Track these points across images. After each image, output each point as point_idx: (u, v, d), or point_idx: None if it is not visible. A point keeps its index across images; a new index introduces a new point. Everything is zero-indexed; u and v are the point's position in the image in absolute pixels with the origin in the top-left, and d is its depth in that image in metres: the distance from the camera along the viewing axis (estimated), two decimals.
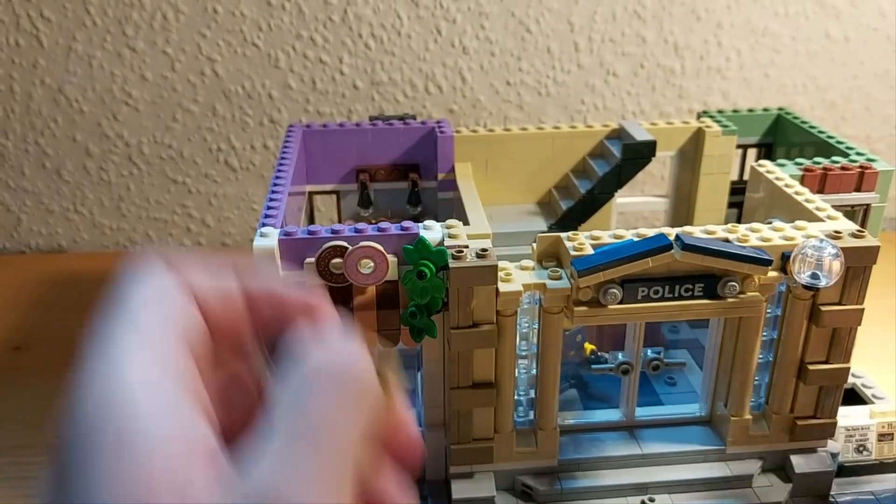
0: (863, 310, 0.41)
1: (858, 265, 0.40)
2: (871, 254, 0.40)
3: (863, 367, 0.52)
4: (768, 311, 0.43)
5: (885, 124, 0.82)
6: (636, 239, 0.38)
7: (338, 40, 0.76)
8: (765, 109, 0.62)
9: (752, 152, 0.63)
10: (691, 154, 0.60)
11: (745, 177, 0.62)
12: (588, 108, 0.80)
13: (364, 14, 0.75)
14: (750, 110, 0.62)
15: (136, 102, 0.77)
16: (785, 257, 0.39)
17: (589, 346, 0.52)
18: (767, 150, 0.63)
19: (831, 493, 0.45)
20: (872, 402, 0.49)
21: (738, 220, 0.61)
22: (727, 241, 0.39)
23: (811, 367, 0.42)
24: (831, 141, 0.55)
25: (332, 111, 0.78)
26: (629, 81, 0.79)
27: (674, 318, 0.39)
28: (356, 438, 0.19)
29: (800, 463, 0.45)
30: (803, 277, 0.37)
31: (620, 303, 0.38)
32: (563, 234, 0.40)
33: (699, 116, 0.61)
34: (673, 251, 0.37)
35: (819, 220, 0.42)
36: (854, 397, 0.51)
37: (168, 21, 0.74)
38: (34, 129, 0.78)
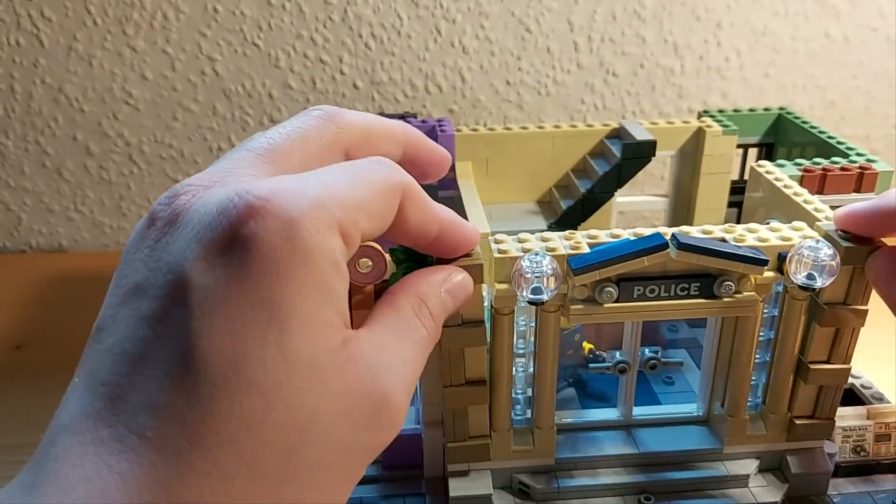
0: (867, 310, 0.41)
1: (862, 265, 0.40)
2: None
3: (862, 367, 0.52)
4: (765, 311, 0.43)
5: (884, 124, 0.82)
6: (633, 238, 0.38)
7: (338, 40, 0.76)
8: (766, 109, 0.62)
9: (752, 152, 0.63)
10: (692, 154, 0.60)
11: (746, 176, 0.63)
12: (588, 108, 0.80)
13: (364, 14, 0.75)
14: (751, 110, 0.62)
15: (137, 102, 0.77)
16: (781, 258, 0.39)
17: (587, 345, 0.52)
18: (768, 150, 0.63)
19: (828, 493, 0.45)
20: (871, 403, 0.49)
21: (738, 220, 0.62)
22: (724, 240, 0.39)
23: (812, 367, 0.42)
24: (832, 141, 0.54)
25: None
26: (629, 81, 0.79)
27: (669, 316, 0.39)
28: None
29: (796, 463, 0.45)
30: (799, 278, 0.37)
31: (616, 301, 0.38)
32: (558, 234, 0.40)
33: (700, 116, 0.61)
34: (668, 250, 0.37)
35: (817, 220, 0.42)
36: (852, 398, 0.51)
37: (168, 20, 0.74)
38: (34, 129, 0.78)
